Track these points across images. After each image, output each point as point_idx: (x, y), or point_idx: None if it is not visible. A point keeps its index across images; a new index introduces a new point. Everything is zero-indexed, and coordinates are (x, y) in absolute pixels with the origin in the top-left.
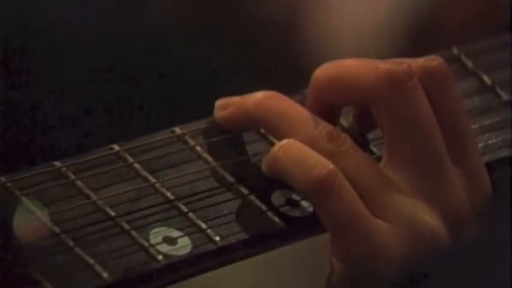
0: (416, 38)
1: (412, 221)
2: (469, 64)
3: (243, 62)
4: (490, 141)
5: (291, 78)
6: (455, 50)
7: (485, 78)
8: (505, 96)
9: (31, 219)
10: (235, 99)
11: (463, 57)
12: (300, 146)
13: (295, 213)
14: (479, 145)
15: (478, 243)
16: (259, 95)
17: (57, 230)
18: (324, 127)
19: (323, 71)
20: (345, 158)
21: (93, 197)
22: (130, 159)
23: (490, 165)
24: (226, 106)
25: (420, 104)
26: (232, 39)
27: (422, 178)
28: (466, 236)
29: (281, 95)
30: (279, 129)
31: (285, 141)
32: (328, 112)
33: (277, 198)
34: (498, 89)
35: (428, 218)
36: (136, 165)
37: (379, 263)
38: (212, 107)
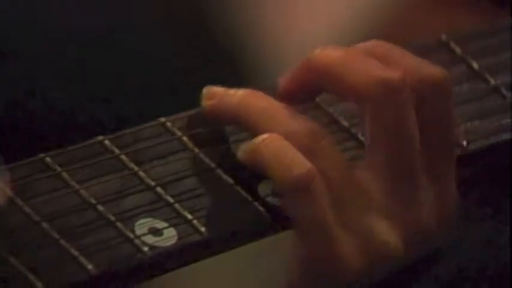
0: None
1: (371, 238)
2: (458, 50)
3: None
4: (478, 128)
5: (261, 71)
6: (443, 37)
7: (474, 65)
8: (493, 83)
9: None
10: (221, 91)
11: (452, 44)
12: (283, 142)
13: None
14: (468, 132)
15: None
16: (240, 92)
17: (41, 222)
18: (304, 123)
19: (323, 54)
20: (321, 157)
21: (79, 188)
22: (117, 151)
23: (476, 153)
24: (212, 96)
25: (406, 116)
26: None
27: (394, 191)
28: (425, 251)
29: (261, 93)
30: (258, 126)
31: (267, 134)
32: (307, 91)
33: (263, 188)
34: (487, 75)
35: (388, 236)
36: (123, 156)
37: (335, 270)
38: (197, 98)
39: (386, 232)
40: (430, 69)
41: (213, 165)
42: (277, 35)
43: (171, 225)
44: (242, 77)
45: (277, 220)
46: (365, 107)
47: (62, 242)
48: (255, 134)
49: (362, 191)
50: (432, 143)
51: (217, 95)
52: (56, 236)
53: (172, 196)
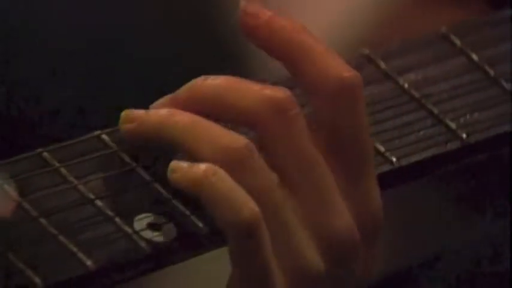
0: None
1: (296, 275)
2: (458, 42)
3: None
4: (478, 120)
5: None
6: (443, 29)
7: (474, 56)
8: (493, 74)
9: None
10: (141, 114)
11: (452, 36)
12: (229, 181)
13: None
14: (467, 124)
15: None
16: (162, 111)
17: (40, 218)
18: (233, 138)
19: (205, 85)
20: (251, 174)
21: (77, 184)
22: (115, 146)
23: (477, 145)
24: (131, 120)
25: (299, 133)
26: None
27: (310, 207)
28: (350, 267)
29: (181, 111)
30: (186, 143)
31: (208, 166)
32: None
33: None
34: (486, 67)
35: (309, 262)
36: (121, 152)
37: None
38: None
39: (309, 253)
40: (346, 76)
41: None
42: None
43: (169, 220)
44: (242, 76)
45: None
46: (261, 133)
47: (61, 237)
48: (183, 151)
49: (287, 210)
50: (347, 150)
51: (135, 119)
52: (55, 231)
53: (171, 191)
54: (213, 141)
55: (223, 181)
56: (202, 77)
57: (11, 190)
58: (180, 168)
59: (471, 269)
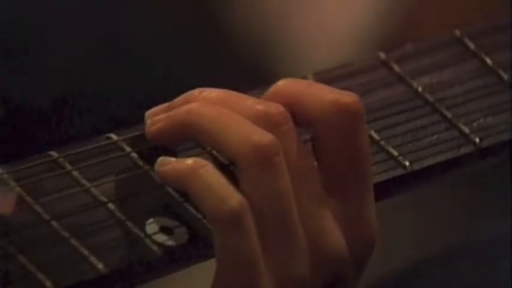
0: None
1: (284, 284)
2: (471, 46)
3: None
4: (491, 124)
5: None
6: (457, 32)
7: (488, 60)
8: (506, 78)
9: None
10: (165, 110)
11: (466, 39)
12: (214, 172)
13: None
14: (481, 128)
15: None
16: (188, 105)
17: (51, 221)
18: (265, 135)
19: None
20: (273, 173)
21: (89, 187)
22: (128, 149)
23: (491, 149)
24: (155, 113)
25: (280, 178)
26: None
27: (305, 222)
28: (342, 280)
29: (209, 104)
30: (214, 135)
31: (198, 161)
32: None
33: None
34: (500, 71)
35: (300, 274)
36: (133, 154)
37: None
38: None
39: (300, 269)
40: (340, 95)
41: None
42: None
43: (181, 224)
44: (250, 79)
45: None
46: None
47: (72, 240)
48: (210, 144)
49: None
50: (346, 171)
51: (160, 120)
52: (66, 234)
53: (183, 195)
54: (242, 135)
55: (212, 173)
56: (198, 90)
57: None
58: (167, 161)
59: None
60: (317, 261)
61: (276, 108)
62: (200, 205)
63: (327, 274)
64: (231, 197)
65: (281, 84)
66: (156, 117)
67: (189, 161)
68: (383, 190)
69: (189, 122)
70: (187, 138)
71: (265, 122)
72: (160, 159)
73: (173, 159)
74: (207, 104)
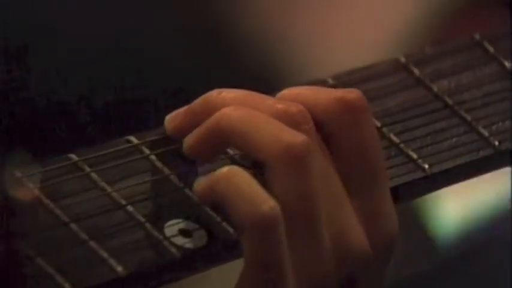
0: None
1: (308, 285)
2: (491, 49)
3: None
4: (510, 127)
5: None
6: (477, 36)
7: (506, 64)
8: None
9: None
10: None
11: (485, 43)
12: (247, 176)
13: None
14: (499, 132)
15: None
16: (218, 112)
17: (70, 223)
18: (297, 135)
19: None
20: (306, 172)
21: (108, 189)
22: (147, 151)
23: (508, 152)
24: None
25: (310, 178)
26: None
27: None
28: (365, 277)
29: (239, 106)
30: (246, 137)
31: (228, 168)
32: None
33: None
34: None
35: (324, 275)
36: (152, 156)
37: None
38: None
39: (322, 269)
40: (343, 92)
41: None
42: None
43: (200, 227)
44: (267, 84)
45: None
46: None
47: (91, 243)
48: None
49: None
50: (358, 166)
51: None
52: (85, 237)
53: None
54: (273, 135)
55: (244, 179)
56: (217, 90)
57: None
58: (203, 178)
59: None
60: (340, 259)
61: (296, 107)
62: (232, 211)
63: (349, 272)
64: (264, 201)
65: (285, 91)
66: (191, 135)
67: (224, 169)
68: (402, 193)
69: (220, 127)
70: (221, 146)
71: (285, 121)
72: (198, 179)
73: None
74: (237, 107)
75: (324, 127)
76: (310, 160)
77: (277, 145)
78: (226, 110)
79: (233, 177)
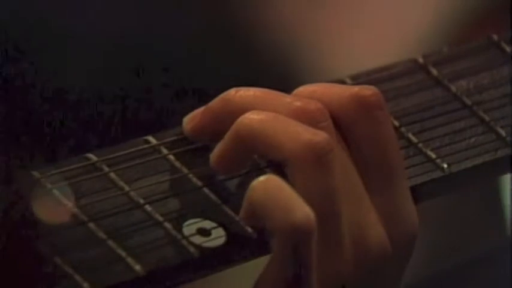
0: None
1: (328, 283)
2: (508, 50)
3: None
4: None
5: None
6: (494, 36)
7: None
8: None
9: (57, 207)
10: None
11: (503, 44)
12: (282, 184)
13: None
14: None
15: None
16: (237, 120)
17: (89, 222)
18: (317, 133)
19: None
20: (328, 170)
21: (127, 189)
22: (165, 151)
23: None
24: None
25: (334, 174)
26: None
27: (348, 219)
28: (384, 276)
29: (258, 110)
30: (266, 139)
31: (264, 176)
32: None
33: None
34: None
35: (344, 273)
36: (170, 156)
37: None
38: None
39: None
40: (359, 89)
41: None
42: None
43: (219, 226)
44: (285, 83)
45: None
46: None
47: (110, 242)
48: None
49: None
50: (375, 163)
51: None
52: (104, 236)
53: (220, 197)
54: (294, 134)
55: (282, 187)
56: (235, 89)
57: (63, 196)
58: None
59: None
60: (359, 257)
61: (314, 105)
62: (268, 217)
63: (369, 269)
64: (300, 209)
65: (300, 88)
66: (214, 152)
67: (260, 178)
68: (421, 192)
69: (241, 136)
70: (245, 155)
71: (303, 118)
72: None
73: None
74: (253, 113)
75: (341, 124)
76: (331, 157)
77: (299, 144)
78: (243, 118)
79: (270, 185)
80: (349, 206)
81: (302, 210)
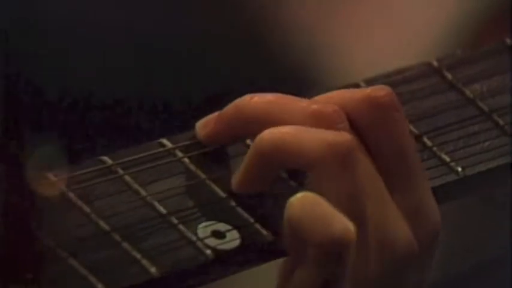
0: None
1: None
2: None
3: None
4: None
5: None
6: (508, 40)
7: None
8: None
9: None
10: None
11: None
12: (319, 199)
13: None
14: None
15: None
16: (256, 139)
17: (104, 224)
18: (340, 134)
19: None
20: (353, 170)
21: (141, 191)
22: (180, 154)
23: None
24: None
25: (360, 172)
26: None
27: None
28: (410, 278)
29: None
30: (291, 146)
31: (301, 194)
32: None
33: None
34: None
35: (371, 275)
36: (185, 159)
37: None
38: None
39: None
40: (372, 90)
41: None
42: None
43: (234, 228)
44: (300, 87)
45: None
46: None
47: (124, 244)
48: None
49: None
50: (394, 162)
51: (210, 120)
52: (118, 238)
53: (235, 199)
54: (317, 139)
55: (319, 202)
56: (249, 95)
57: (78, 198)
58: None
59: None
60: (386, 258)
61: (330, 107)
62: (307, 234)
63: (395, 271)
64: (339, 222)
65: (315, 98)
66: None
67: (297, 195)
68: (435, 196)
69: (263, 153)
70: (270, 171)
71: (321, 121)
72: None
73: None
74: (271, 130)
75: (357, 126)
76: (355, 157)
77: (322, 146)
78: (263, 135)
79: (306, 201)
80: (373, 207)
81: (341, 223)
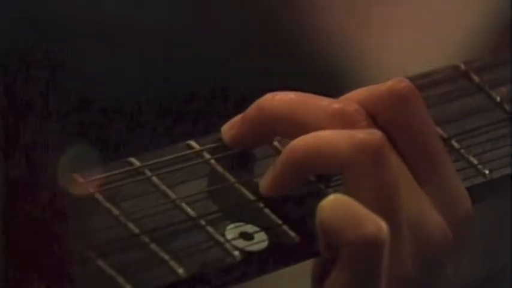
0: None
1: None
2: None
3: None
4: None
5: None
6: None
7: None
8: None
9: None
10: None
11: None
12: (350, 201)
13: None
14: None
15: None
16: (285, 148)
17: (132, 226)
18: (371, 132)
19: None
20: (385, 166)
21: (169, 193)
22: (207, 155)
23: None
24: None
25: (391, 167)
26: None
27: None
28: (442, 269)
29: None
30: (321, 155)
31: (332, 196)
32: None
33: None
34: None
35: (405, 270)
36: (213, 161)
37: None
38: None
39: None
40: (393, 83)
41: None
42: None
43: (261, 230)
44: (328, 88)
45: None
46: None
47: (152, 245)
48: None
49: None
50: (419, 152)
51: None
52: (146, 239)
53: (263, 201)
54: (348, 139)
55: (350, 203)
56: (271, 94)
57: (107, 200)
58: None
59: None
60: (421, 249)
61: (352, 106)
62: (340, 236)
63: (431, 262)
64: (372, 223)
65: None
66: (265, 177)
67: (328, 198)
68: None
69: (295, 158)
70: (299, 176)
71: (343, 120)
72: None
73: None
74: (300, 138)
75: (380, 121)
76: (385, 153)
77: (353, 145)
78: (294, 142)
79: (337, 203)
80: (407, 201)
81: (373, 223)
